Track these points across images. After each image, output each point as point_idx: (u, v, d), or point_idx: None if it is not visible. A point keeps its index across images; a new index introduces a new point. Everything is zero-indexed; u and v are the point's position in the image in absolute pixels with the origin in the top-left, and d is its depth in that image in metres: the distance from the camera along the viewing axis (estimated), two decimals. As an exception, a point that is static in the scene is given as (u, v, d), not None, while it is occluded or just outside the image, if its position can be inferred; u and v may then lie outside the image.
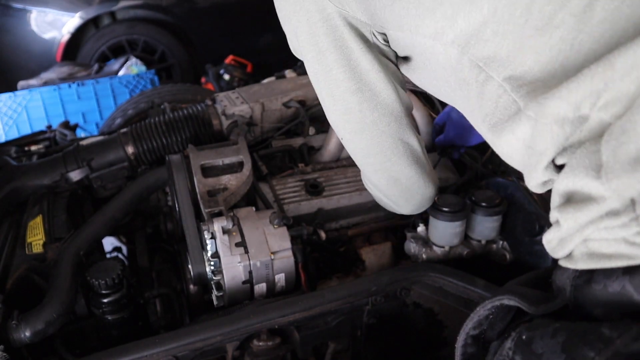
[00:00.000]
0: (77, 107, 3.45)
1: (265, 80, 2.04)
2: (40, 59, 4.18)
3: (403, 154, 0.94)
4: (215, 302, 1.14)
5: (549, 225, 0.71)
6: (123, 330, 1.14)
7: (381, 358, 1.15)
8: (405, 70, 0.86)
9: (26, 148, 1.71)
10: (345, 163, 1.44)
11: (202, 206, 1.15)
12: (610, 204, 0.52)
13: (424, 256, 1.19)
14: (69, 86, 3.40)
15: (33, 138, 1.78)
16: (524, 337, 0.61)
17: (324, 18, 0.81)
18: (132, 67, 3.76)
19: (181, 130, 1.44)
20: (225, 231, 1.08)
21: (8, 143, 1.70)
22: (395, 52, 0.84)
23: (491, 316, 0.71)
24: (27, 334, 0.97)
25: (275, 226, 1.12)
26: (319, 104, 1.50)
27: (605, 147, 0.52)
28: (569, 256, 0.60)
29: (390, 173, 0.97)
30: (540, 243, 0.90)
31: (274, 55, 4.55)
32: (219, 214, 1.11)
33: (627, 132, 0.50)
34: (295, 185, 1.35)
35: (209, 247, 1.08)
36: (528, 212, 1.11)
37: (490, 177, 1.30)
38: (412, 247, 1.21)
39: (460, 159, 1.46)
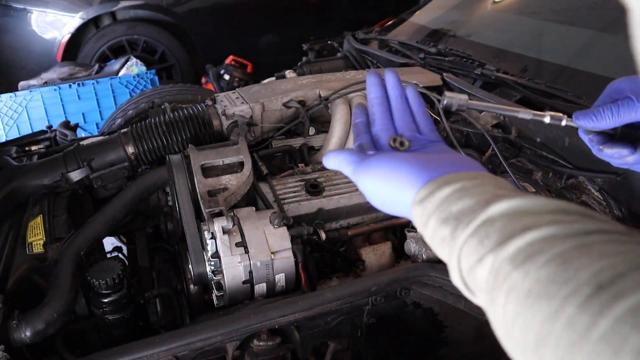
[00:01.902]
0: (78, 107, 3.46)
1: (266, 81, 2.04)
2: (41, 59, 4.19)
3: None
4: (215, 302, 1.14)
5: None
6: (123, 330, 1.14)
7: (381, 358, 1.15)
8: None
9: (26, 148, 1.72)
10: (345, 163, 1.45)
11: (202, 206, 1.15)
12: None
13: (424, 256, 1.20)
14: (69, 86, 3.41)
15: (33, 138, 1.78)
16: None
17: None
18: (132, 68, 3.77)
19: (181, 130, 1.45)
20: (225, 231, 1.08)
21: (8, 143, 1.70)
22: None
23: None
24: (28, 333, 0.98)
25: (276, 226, 1.12)
26: (319, 103, 1.51)
27: None
28: None
29: None
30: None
31: (274, 56, 4.57)
32: (219, 214, 1.11)
33: None
34: (295, 185, 1.35)
35: (209, 247, 1.08)
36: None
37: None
38: (412, 247, 1.21)
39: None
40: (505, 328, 0.41)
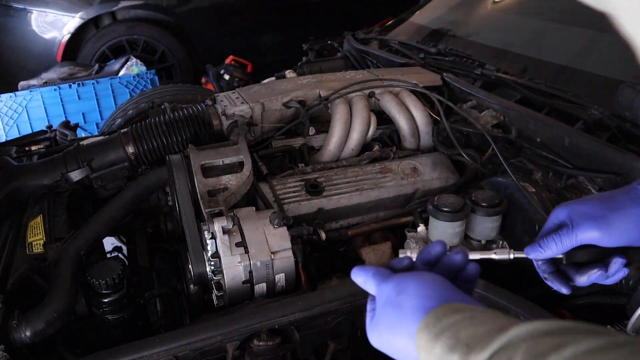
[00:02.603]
0: (78, 107, 3.45)
1: (266, 81, 2.04)
2: (41, 59, 4.19)
3: None
4: (215, 302, 1.14)
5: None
6: (123, 330, 1.14)
7: (381, 358, 1.15)
8: None
9: (26, 148, 1.71)
10: (345, 163, 1.45)
11: (202, 206, 1.15)
12: None
13: (424, 256, 1.19)
14: (69, 86, 3.41)
15: (33, 138, 1.78)
16: None
17: None
18: (132, 68, 3.76)
19: (181, 130, 1.45)
20: (225, 231, 1.08)
21: (8, 143, 1.70)
22: None
23: None
24: (28, 333, 0.98)
25: (276, 226, 1.12)
26: (319, 103, 1.51)
27: None
28: None
29: None
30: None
31: (274, 55, 4.57)
32: (219, 214, 1.11)
33: None
34: (295, 185, 1.35)
35: (209, 247, 1.08)
36: (528, 212, 1.11)
37: (490, 177, 1.30)
38: (412, 247, 1.21)
39: (460, 159, 1.46)
40: None
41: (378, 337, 0.65)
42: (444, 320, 0.52)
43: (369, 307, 0.70)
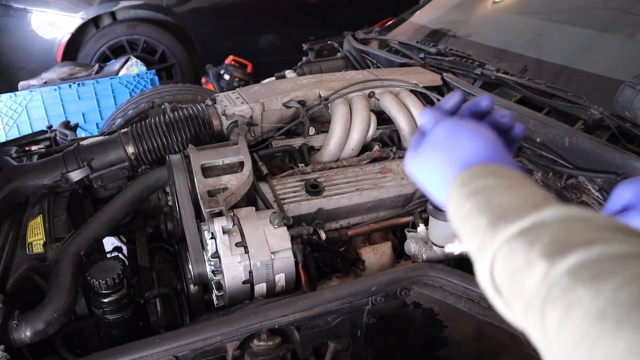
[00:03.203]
0: (77, 107, 3.46)
1: (265, 81, 2.04)
2: (41, 59, 4.19)
3: None
4: (215, 302, 1.14)
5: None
6: (123, 330, 1.14)
7: (381, 358, 1.15)
8: None
9: (26, 148, 1.72)
10: (345, 163, 1.45)
11: (202, 206, 1.15)
12: None
13: (424, 256, 1.20)
14: (69, 86, 3.41)
15: (33, 138, 1.78)
16: None
17: None
18: (132, 68, 3.76)
19: (181, 130, 1.45)
20: (225, 231, 1.08)
21: (8, 143, 1.70)
22: None
23: None
24: (28, 333, 0.98)
25: (276, 226, 1.12)
26: (319, 103, 1.51)
27: None
28: None
29: None
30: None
31: (274, 56, 4.57)
32: (219, 214, 1.11)
33: None
34: (295, 185, 1.35)
35: (209, 247, 1.08)
36: (528, 212, 1.11)
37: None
38: (412, 247, 1.21)
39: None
40: (561, 347, 0.37)
41: (414, 168, 0.65)
42: (480, 181, 0.51)
43: (414, 141, 0.68)
